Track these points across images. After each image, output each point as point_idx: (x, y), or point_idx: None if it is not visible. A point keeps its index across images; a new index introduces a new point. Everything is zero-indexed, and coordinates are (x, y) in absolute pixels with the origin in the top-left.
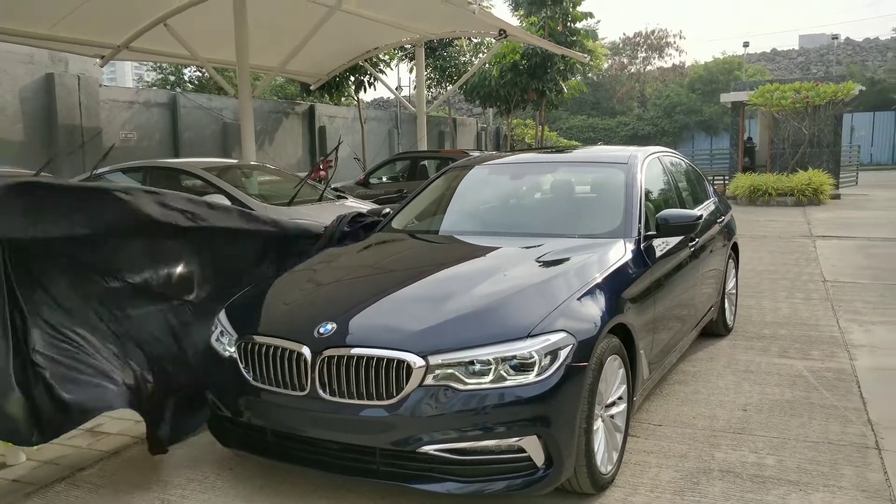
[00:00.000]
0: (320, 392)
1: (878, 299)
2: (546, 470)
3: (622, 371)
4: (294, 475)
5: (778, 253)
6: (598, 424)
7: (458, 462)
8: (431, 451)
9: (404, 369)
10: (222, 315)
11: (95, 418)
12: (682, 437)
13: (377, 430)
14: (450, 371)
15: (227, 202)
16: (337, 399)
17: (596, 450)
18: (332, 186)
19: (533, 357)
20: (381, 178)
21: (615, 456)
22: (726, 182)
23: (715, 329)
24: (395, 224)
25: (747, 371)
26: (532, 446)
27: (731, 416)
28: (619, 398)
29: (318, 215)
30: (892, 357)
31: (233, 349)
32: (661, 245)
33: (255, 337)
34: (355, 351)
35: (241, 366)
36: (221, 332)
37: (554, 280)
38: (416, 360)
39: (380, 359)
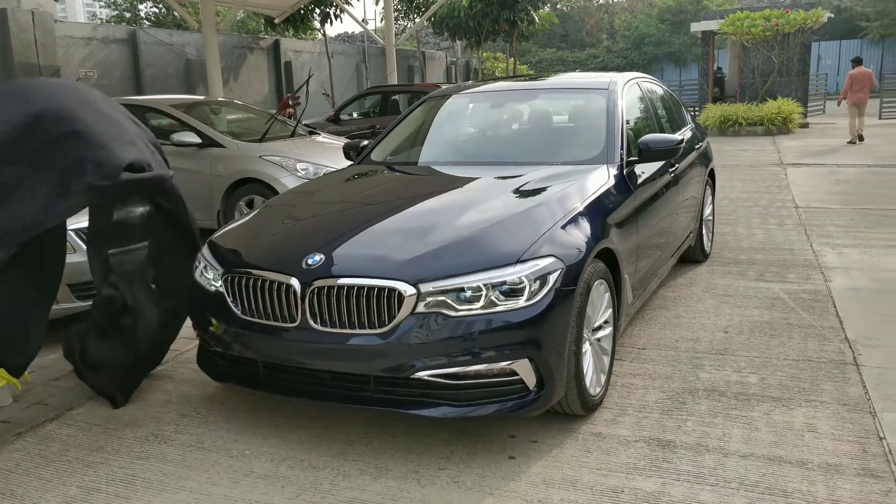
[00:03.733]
0: (311, 323)
1: (848, 223)
2: (538, 392)
3: (608, 295)
4: (286, 407)
5: (750, 181)
6: (587, 347)
7: (452, 387)
8: (425, 377)
9: (395, 298)
10: (205, 249)
11: None
12: (667, 359)
13: (370, 357)
14: (440, 298)
15: (196, 139)
16: (328, 329)
17: (585, 372)
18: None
19: (523, 282)
20: (351, 115)
21: (603, 378)
22: (696, 113)
23: (693, 255)
24: (373, 156)
25: (726, 295)
26: (524, 369)
27: (712, 338)
28: (606, 322)
29: (292, 151)
30: (864, 278)
31: (219, 283)
32: (642, 171)
33: (241, 270)
34: (345, 281)
35: (229, 300)
36: (206, 267)
37: (539, 207)
38: (407, 289)
39: (371, 288)
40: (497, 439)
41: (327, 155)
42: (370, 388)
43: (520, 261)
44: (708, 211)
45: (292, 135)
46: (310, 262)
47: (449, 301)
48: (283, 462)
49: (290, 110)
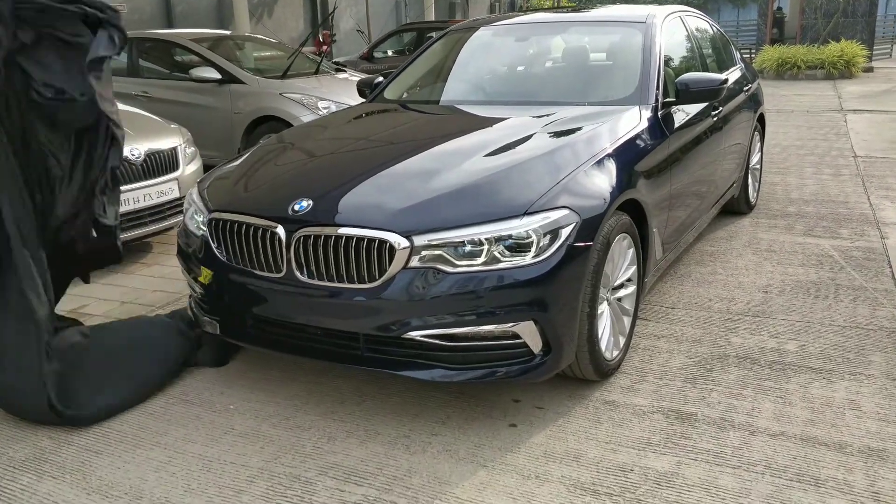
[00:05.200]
0: (297, 274)
1: None
2: (544, 357)
3: (632, 251)
4: (280, 360)
5: (806, 128)
6: (603, 308)
7: (448, 349)
8: (418, 337)
9: (386, 250)
10: (194, 191)
11: (81, 300)
12: (697, 320)
13: (360, 314)
14: (437, 252)
15: (216, 75)
16: (315, 282)
17: (600, 335)
18: (334, 61)
19: (530, 237)
20: (385, 52)
21: (622, 341)
22: (753, 55)
23: (736, 206)
24: (387, 94)
25: (769, 251)
26: (528, 332)
27: (750, 298)
28: (629, 280)
29: (314, 89)
30: None
31: (205, 228)
32: (681, 114)
33: (226, 214)
34: (332, 230)
35: (214, 246)
36: (195, 211)
37: (558, 152)
38: (399, 241)
39: (360, 239)
40: (499, 404)
41: (351, 93)
42: (360, 347)
43: (528, 213)
44: (755, 159)
45: (316, 72)
46: (296, 208)
47: (446, 255)
48: (268, 420)
49: (326, 48)
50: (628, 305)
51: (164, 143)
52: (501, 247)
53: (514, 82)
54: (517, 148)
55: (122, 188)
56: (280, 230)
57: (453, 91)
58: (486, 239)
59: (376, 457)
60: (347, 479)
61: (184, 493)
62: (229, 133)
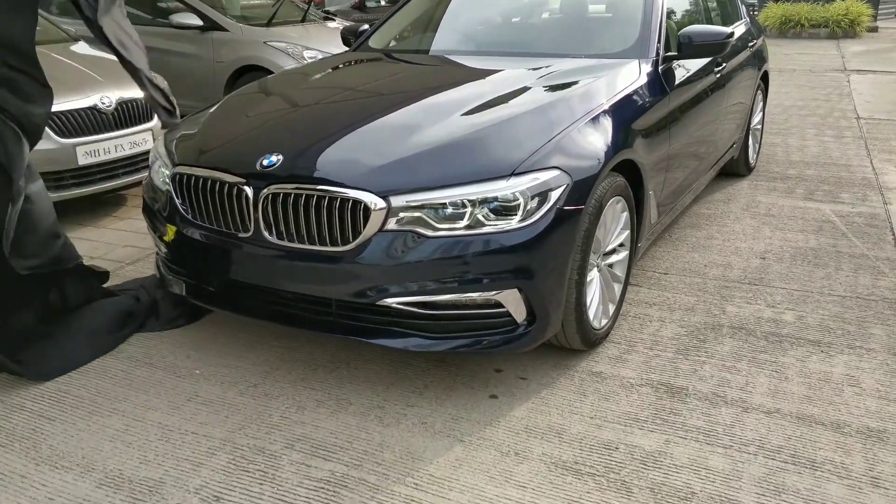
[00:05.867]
0: (265, 234)
1: None
2: (528, 327)
3: (625, 215)
4: (252, 324)
5: (808, 88)
6: (593, 275)
7: (426, 317)
8: (395, 305)
9: (361, 211)
10: (160, 143)
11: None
12: (691, 287)
13: (332, 279)
14: (416, 214)
15: (197, 21)
16: (285, 243)
17: (588, 303)
18: (325, 10)
19: (517, 199)
20: (378, 2)
21: (611, 309)
22: (755, 12)
23: (735, 168)
24: (372, 43)
25: (768, 215)
26: (511, 300)
27: (747, 264)
28: (621, 245)
29: (300, 38)
30: None
31: (170, 183)
32: (683, 69)
33: (190, 169)
34: (303, 188)
35: (178, 202)
36: (161, 164)
37: (550, 107)
38: (374, 201)
39: (332, 198)
40: (480, 373)
41: (338, 43)
42: (332, 313)
43: (515, 173)
44: (757, 119)
45: (303, 20)
46: (265, 163)
47: (426, 218)
48: (234, 386)
49: None
50: (619, 272)
51: (137, 92)
52: (486, 209)
53: (508, 32)
54: (507, 102)
55: (93, 138)
56: (247, 187)
57: (443, 40)
58: (469, 201)
59: (347, 429)
60: (315, 452)
61: (138, 465)
62: (211, 83)
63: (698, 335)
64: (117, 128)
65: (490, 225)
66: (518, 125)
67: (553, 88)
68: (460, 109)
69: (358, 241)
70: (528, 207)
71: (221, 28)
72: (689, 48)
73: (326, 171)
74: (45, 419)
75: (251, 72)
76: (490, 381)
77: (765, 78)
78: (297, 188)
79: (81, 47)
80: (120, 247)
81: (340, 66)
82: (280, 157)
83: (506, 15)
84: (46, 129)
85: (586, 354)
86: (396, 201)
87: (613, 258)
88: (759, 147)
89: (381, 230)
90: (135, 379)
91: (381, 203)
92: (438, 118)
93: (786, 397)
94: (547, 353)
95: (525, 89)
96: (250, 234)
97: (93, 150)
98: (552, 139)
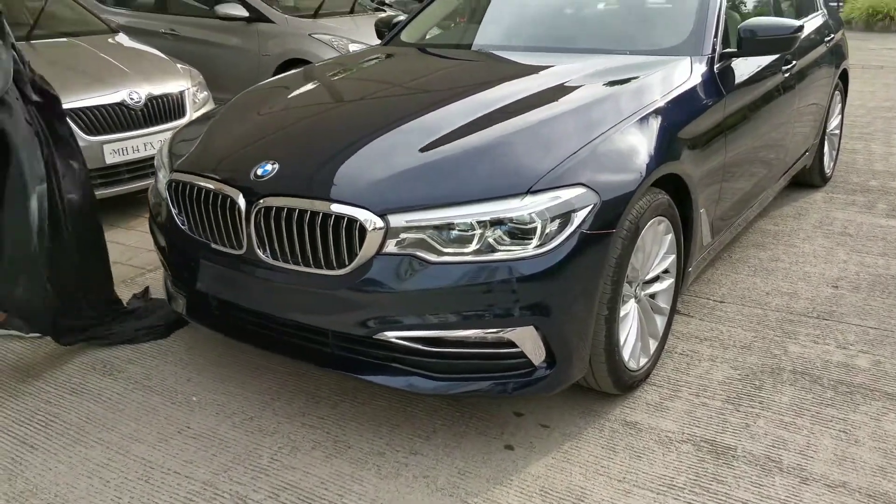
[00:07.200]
0: (258, 252)
1: None
2: (547, 369)
3: (670, 237)
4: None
5: (895, 87)
6: (629, 308)
7: (429, 354)
8: (393, 339)
9: (356, 230)
10: (164, 147)
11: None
12: (749, 319)
13: (327, 306)
14: (419, 236)
15: (243, 12)
16: (279, 263)
17: (622, 342)
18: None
19: (533, 221)
20: None
21: (653, 346)
22: (840, 4)
23: (808, 178)
24: (403, 36)
25: (844, 234)
26: (526, 339)
27: (816, 294)
28: (665, 271)
29: (349, 30)
30: None
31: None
32: (744, 67)
33: (185, 176)
34: (294, 202)
35: (174, 211)
36: (160, 169)
37: (578, 113)
38: (371, 220)
39: (327, 215)
40: (497, 417)
41: None
42: (329, 344)
43: (532, 190)
44: (834, 123)
45: (351, 10)
46: (259, 172)
47: (430, 241)
48: (229, 418)
49: None
50: (663, 302)
51: (169, 87)
52: (499, 231)
53: (547, 26)
54: (531, 107)
55: (121, 136)
56: (240, 198)
57: (474, 34)
58: (478, 222)
59: (340, 479)
60: None
61: None
62: (256, 77)
63: (754, 380)
64: (146, 125)
65: (502, 250)
66: (540, 133)
67: (584, 91)
68: (476, 114)
69: (353, 264)
70: (547, 231)
71: (267, 19)
72: (750, 44)
73: (321, 183)
74: (28, 447)
75: (297, 65)
76: (507, 427)
77: (844, 77)
78: (290, 202)
79: (120, 39)
80: (144, 251)
81: (361, 63)
82: (276, 165)
83: (538, 7)
84: (73, 125)
85: (621, 399)
86: (396, 221)
87: (656, 287)
88: (837, 154)
89: (378, 253)
90: (128, 404)
91: (378, 222)
92: (451, 124)
93: (855, 467)
94: (576, 395)
95: (552, 92)
96: (243, 251)
97: (120, 148)
98: (579, 150)
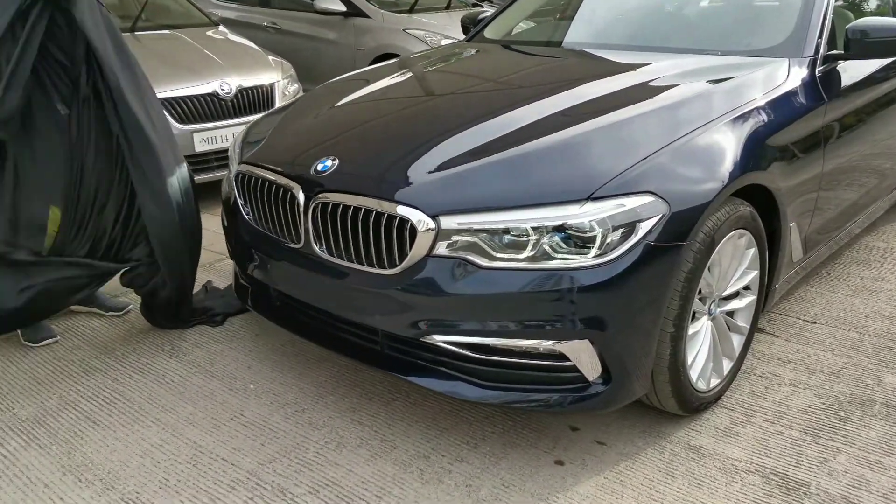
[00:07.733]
0: (314, 246)
1: None
2: (603, 385)
3: (753, 251)
4: None
5: None
6: (701, 325)
7: (475, 360)
8: (440, 343)
9: (407, 230)
10: (238, 138)
11: None
12: (842, 343)
13: (375, 305)
14: (471, 239)
15: (340, 7)
16: (333, 259)
17: (690, 361)
18: None
19: (593, 229)
20: None
21: (727, 366)
22: None
23: None
24: (487, 33)
25: None
26: (581, 353)
27: None
28: (746, 288)
29: (444, 26)
30: None
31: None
32: (852, 71)
33: (251, 168)
34: (349, 198)
35: (240, 202)
36: (232, 160)
37: (655, 116)
38: (422, 220)
39: (379, 213)
40: (551, 430)
41: None
42: (380, 343)
43: (593, 197)
44: None
45: (447, 6)
46: (319, 167)
47: (482, 245)
48: (282, 409)
49: None
50: (742, 321)
51: (260, 79)
52: (556, 238)
53: (636, 25)
54: (606, 109)
55: (211, 125)
56: (300, 193)
57: (564, 32)
58: (533, 228)
59: (382, 479)
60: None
61: (157, 490)
62: (351, 71)
63: (839, 411)
64: (236, 115)
65: (559, 258)
66: (613, 136)
67: (665, 94)
68: (544, 114)
69: (403, 264)
70: (608, 241)
71: (364, 14)
72: (860, 46)
73: (374, 181)
74: (90, 422)
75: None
76: (560, 441)
77: None
78: (346, 199)
79: (218, 32)
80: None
81: (439, 60)
82: (336, 161)
83: (628, 6)
84: (166, 114)
85: (686, 421)
86: (447, 222)
87: (734, 304)
88: None
89: (429, 255)
90: (189, 387)
91: (429, 223)
92: (519, 125)
93: None
94: (639, 413)
95: (632, 93)
96: (301, 245)
97: (210, 136)
98: (650, 156)
